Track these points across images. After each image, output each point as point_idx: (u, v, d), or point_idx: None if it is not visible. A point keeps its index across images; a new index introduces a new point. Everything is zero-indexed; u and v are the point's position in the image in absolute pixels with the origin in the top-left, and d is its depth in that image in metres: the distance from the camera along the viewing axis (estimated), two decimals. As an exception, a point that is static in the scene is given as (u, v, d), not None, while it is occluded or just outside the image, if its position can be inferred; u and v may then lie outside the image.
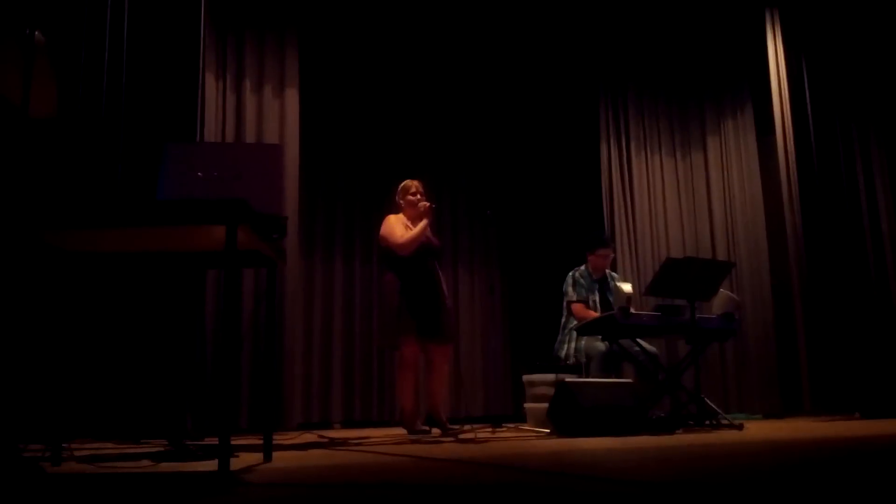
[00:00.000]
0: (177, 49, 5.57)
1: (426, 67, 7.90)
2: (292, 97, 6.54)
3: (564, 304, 6.19)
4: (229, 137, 6.21)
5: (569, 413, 4.92)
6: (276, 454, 3.45)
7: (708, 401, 5.51)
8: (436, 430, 5.22)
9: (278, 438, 4.71)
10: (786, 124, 7.25)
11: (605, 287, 6.20)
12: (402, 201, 5.43)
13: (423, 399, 5.70)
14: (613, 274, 6.46)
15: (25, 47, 2.62)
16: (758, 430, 5.24)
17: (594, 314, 5.92)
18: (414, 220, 5.33)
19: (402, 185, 5.49)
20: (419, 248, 5.22)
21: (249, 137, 6.28)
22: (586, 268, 6.24)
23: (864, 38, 7.26)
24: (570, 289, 6.14)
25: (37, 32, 2.71)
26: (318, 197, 7.33)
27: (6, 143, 2.68)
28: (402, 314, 5.09)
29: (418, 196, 5.38)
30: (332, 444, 4.53)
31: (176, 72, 5.54)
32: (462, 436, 4.96)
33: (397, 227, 5.27)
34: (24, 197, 2.60)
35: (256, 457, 3.35)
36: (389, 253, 5.27)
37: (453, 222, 8.00)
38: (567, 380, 5.16)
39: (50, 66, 2.94)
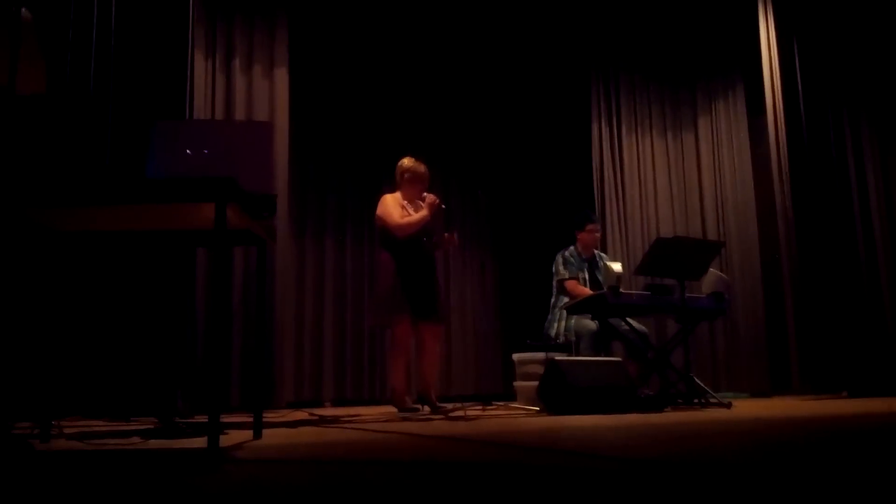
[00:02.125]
0: (165, 27, 5.54)
1: (417, 48, 7.88)
2: (282, 77, 6.51)
3: (554, 283, 6.19)
4: (219, 117, 6.20)
5: (558, 391, 4.94)
6: (266, 432, 3.46)
7: (697, 379, 5.54)
8: (426, 408, 5.24)
9: (269, 416, 4.72)
10: (777, 105, 7.25)
11: (594, 266, 6.22)
12: (400, 180, 5.39)
13: (415, 378, 5.71)
14: (602, 254, 6.48)
15: (12, 25, 2.61)
16: (746, 408, 5.27)
17: (587, 291, 5.94)
18: (412, 201, 5.32)
19: (407, 166, 5.41)
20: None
21: (239, 117, 6.27)
22: (575, 247, 6.25)
23: (856, 19, 7.25)
24: (560, 267, 6.14)
25: (23, 9, 2.69)
26: (308, 177, 7.32)
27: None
28: (395, 294, 5.10)
29: (425, 184, 5.36)
30: (323, 421, 4.55)
31: (165, 51, 5.51)
32: (452, 414, 4.98)
33: (395, 209, 5.25)
34: (10, 174, 2.60)
35: (246, 434, 3.36)
36: (385, 233, 5.26)
37: (444, 202, 7.99)
38: (557, 358, 5.18)
39: (37, 44, 2.92)
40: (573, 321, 5.92)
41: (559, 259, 6.19)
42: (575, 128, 8.23)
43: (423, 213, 5.23)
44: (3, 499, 1.70)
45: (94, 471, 2.22)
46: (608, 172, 7.88)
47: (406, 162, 5.44)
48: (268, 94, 6.45)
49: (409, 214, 5.26)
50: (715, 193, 8.02)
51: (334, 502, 1.62)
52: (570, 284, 6.07)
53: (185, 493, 1.78)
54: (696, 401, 5.42)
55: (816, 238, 6.96)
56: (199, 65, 6.08)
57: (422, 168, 5.41)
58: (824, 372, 6.77)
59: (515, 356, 6.23)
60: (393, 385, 5.26)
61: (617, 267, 5.66)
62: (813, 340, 6.86)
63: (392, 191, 5.42)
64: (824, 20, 7.28)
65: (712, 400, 5.44)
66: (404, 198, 5.34)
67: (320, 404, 6.91)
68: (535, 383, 5.29)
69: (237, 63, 6.35)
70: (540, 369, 5.47)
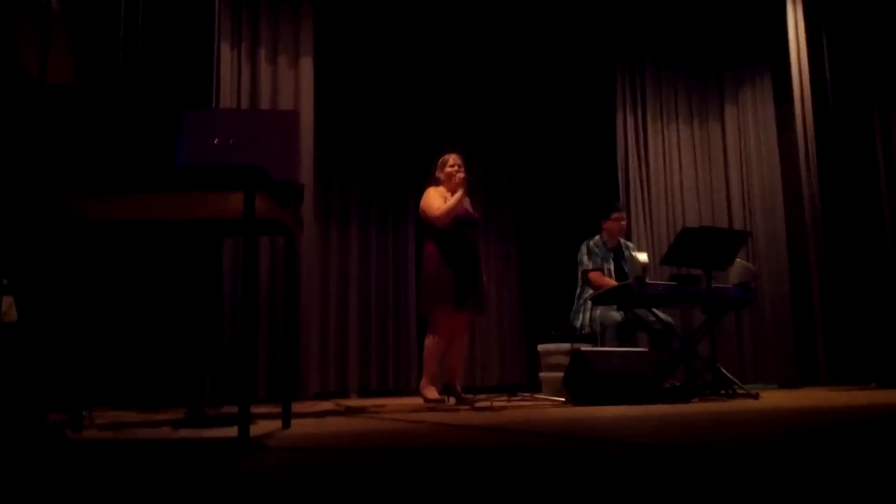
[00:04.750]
0: (192, 18, 5.57)
1: (443, 37, 7.85)
2: (307, 66, 6.52)
3: (579, 273, 6.17)
4: (244, 106, 6.21)
5: (584, 382, 4.93)
6: (294, 421, 3.47)
7: (724, 370, 5.51)
8: (451, 399, 5.25)
9: (295, 407, 4.73)
10: (804, 93, 7.18)
11: (620, 256, 6.18)
12: (440, 175, 5.48)
13: (441, 369, 5.72)
14: (629, 243, 6.44)
15: (42, 16, 2.62)
16: (774, 399, 5.23)
17: (612, 282, 5.90)
18: (453, 193, 5.38)
19: (441, 158, 5.54)
20: (458, 219, 5.27)
21: (264, 106, 6.28)
22: (601, 237, 6.21)
23: (886, 5, 7.16)
24: (585, 258, 6.11)
25: (53, 1, 2.70)
26: (333, 166, 7.32)
27: (23, 110, 2.68)
28: (438, 283, 5.15)
29: (455, 168, 5.43)
30: (350, 411, 4.56)
31: (191, 41, 5.55)
32: (478, 404, 4.98)
33: (435, 200, 5.35)
34: (41, 164, 2.61)
35: (275, 424, 3.38)
36: (429, 224, 5.33)
37: (469, 191, 7.98)
38: (582, 349, 5.16)
39: (67, 34, 2.94)
40: (598, 312, 5.89)
41: (584, 249, 6.16)
42: (600, 116, 8.18)
43: (457, 195, 5.30)
44: (43, 486, 1.71)
45: (129, 459, 2.23)
46: (633, 161, 7.82)
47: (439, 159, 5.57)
48: (293, 83, 6.46)
49: None
50: (741, 182, 7.94)
51: (366, 485, 1.62)
52: (594, 276, 6.03)
53: (221, 477, 1.79)
54: (722, 391, 5.38)
55: (844, 228, 6.90)
56: (225, 54, 6.09)
57: (447, 155, 5.51)
58: (852, 363, 6.72)
59: (541, 347, 6.22)
60: (425, 373, 5.27)
61: (643, 257, 5.63)
62: (841, 331, 6.80)
63: (436, 185, 5.49)
64: (853, 6, 7.19)
65: (739, 391, 5.41)
66: (447, 190, 5.41)
67: (345, 395, 6.92)
68: (561, 374, 5.27)
69: (262, 52, 6.36)
70: (565, 360, 5.46)
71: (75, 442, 2.69)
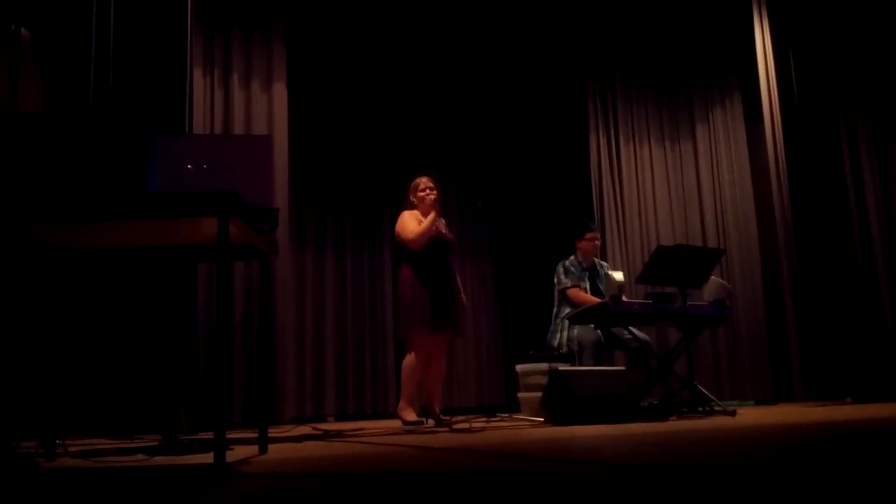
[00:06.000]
0: (164, 44, 5.53)
1: (414, 60, 7.89)
2: (280, 91, 6.52)
3: (556, 293, 6.18)
4: (218, 132, 6.19)
5: (563, 402, 4.93)
6: (271, 446, 3.44)
7: (700, 387, 5.53)
8: (430, 421, 5.23)
9: (272, 432, 4.69)
10: (774, 111, 7.26)
11: (595, 275, 6.21)
12: (413, 198, 5.47)
13: (420, 390, 5.71)
14: (603, 263, 6.47)
15: (11, 44, 2.61)
16: (750, 416, 5.25)
17: (592, 298, 5.92)
18: (427, 215, 5.38)
19: (413, 182, 5.53)
20: (433, 242, 5.27)
21: (238, 132, 6.26)
22: (575, 257, 6.24)
23: (851, 24, 7.28)
24: (562, 277, 6.13)
25: (22, 28, 2.69)
26: (307, 191, 7.31)
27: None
28: (414, 307, 5.13)
29: (427, 190, 5.42)
30: (327, 435, 4.53)
31: (163, 67, 5.50)
32: (457, 426, 4.96)
33: (410, 222, 5.34)
34: (11, 191, 2.59)
35: (251, 449, 3.35)
36: (404, 248, 5.33)
37: (444, 213, 7.99)
38: (560, 368, 5.16)
39: (36, 62, 2.92)
40: (575, 331, 5.91)
41: (560, 269, 6.18)
42: (573, 137, 8.24)
43: (430, 216, 5.30)
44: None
45: (102, 487, 2.20)
46: (607, 182, 7.88)
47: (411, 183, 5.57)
48: (266, 108, 6.46)
49: None
50: (714, 201, 8.02)
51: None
52: (573, 292, 6.05)
53: (195, 508, 1.77)
54: (700, 409, 5.40)
55: (816, 243, 6.96)
56: (198, 80, 6.08)
57: (418, 178, 5.50)
58: (827, 378, 6.76)
59: (519, 367, 6.22)
60: (403, 396, 5.25)
61: (618, 276, 5.66)
62: (815, 347, 6.85)
63: (410, 208, 5.49)
64: (819, 25, 7.30)
65: (716, 408, 5.42)
66: (421, 213, 5.42)
67: (322, 419, 6.87)
68: (539, 394, 5.27)
69: (235, 78, 6.35)
70: (543, 380, 5.46)
71: (47, 471, 2.65)
